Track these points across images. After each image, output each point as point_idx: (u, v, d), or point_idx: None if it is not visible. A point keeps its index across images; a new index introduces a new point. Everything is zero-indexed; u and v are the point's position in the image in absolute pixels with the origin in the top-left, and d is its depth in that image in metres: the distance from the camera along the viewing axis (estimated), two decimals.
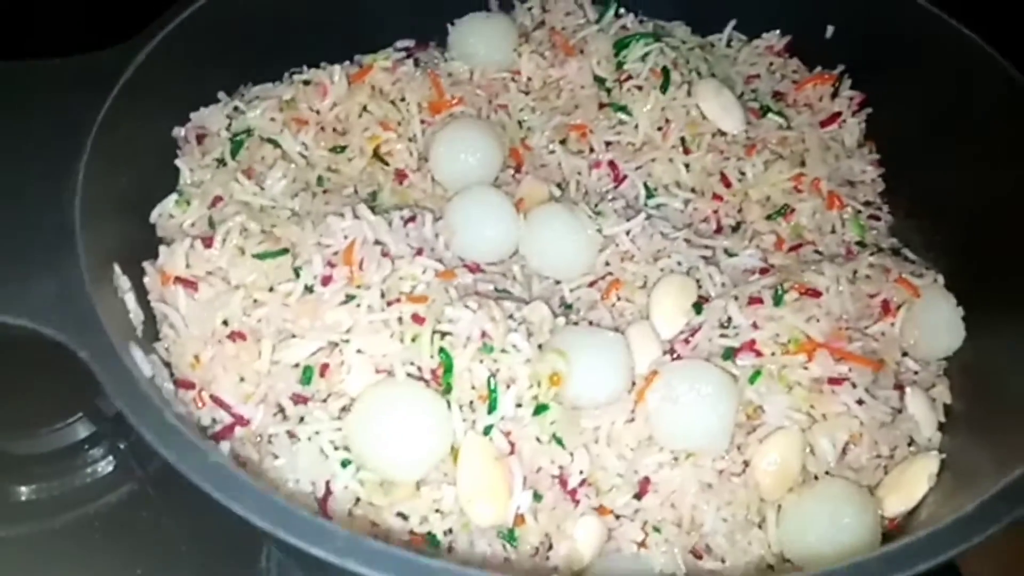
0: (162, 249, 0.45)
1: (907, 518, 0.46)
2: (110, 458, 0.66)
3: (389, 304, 0.44)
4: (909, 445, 0.48)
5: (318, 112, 0.55)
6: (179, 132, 0.52)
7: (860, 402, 0.46)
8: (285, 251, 0.46)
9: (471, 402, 0.44)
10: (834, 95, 0.60)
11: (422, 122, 0.57)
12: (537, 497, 0.42)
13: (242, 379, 0.43)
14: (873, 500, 0.45)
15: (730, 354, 0.47)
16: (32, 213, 0.38)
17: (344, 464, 0.42)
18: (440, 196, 0.56)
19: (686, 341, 0.48)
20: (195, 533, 0.59)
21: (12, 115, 0.42)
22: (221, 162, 0.51)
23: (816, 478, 0.46)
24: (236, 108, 0.53)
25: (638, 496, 0.44)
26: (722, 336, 0.47)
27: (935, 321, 0.51)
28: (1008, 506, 0.35)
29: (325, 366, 0.43)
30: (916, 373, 0.51)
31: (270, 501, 0.31)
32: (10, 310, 0.35)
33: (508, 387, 0.43)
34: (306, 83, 0.55)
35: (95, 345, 0.33)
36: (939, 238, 0.56)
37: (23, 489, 0.63)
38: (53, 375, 0.65)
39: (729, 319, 0.48)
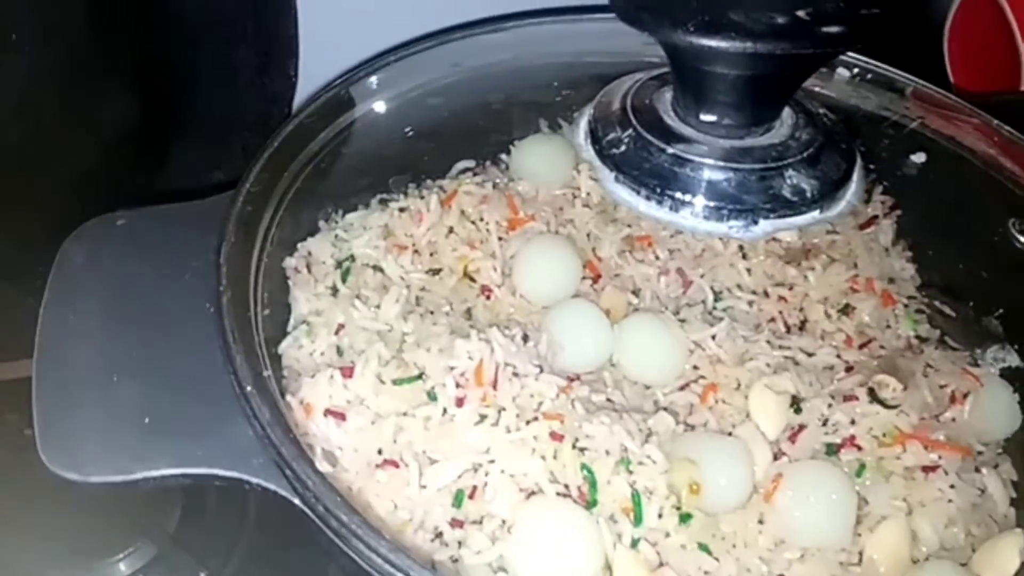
0: (305, 381, 0.46)
1: None
2: None
3: (527, 423, 0.47)
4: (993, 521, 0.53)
5: (412, 236, 0.57)
6: (290, 262, 0.53)
7: (952, 487, 0.51)
8: (420, 376, 0.48)
9: (611, 515, 0.46)
10: (867, 200, 0.67)
11: (499, 239, 0.60)
12: None
13: (396, 507, 0.44)
14: None
15: (833, 450, 0.50)
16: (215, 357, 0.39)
17: None
18: (527, 310, 0.58)
19: (791, 440, 0.51)
20: None
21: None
22: (334, 290, 0.53)
23: (916, 561, 0.50)
24: (337, 236, 0.55)
25: None
26: (824, 434, 0.51)
27: (996, 407, 0.56)
28: None
29: (473, 488, 0.45)
30: (980, 454, 0.56)
31: None
32: (220, 463, 0.35)
33: (649, 499, 0.46)
34: (402, 210, 0.57)
35: (312, 495, 0.34)
36: (977, 327, 0.62)
37: None
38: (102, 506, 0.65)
39: (827, 417, 0.52)
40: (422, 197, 0.58)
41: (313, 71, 0.79)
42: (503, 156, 0.66)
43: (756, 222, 0.41)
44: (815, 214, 0.42)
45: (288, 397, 0.46)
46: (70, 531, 0.63)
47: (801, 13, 0.37)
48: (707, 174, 0.41)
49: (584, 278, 0.61)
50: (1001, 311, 0.56)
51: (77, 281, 0.43)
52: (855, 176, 0.45)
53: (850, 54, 0.65)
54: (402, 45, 0.63)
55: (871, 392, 0.49)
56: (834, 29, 0.37)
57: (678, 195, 0.41)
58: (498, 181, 0.64)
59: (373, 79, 0.60)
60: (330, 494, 0.35)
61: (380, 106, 0.61)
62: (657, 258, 0.63)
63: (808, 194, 0.41)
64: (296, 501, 0.35)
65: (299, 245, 0.54)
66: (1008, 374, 0.55)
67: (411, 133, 0.63)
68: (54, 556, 0.62)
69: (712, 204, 0.41)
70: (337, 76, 0.60)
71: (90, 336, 0.41)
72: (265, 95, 0.82)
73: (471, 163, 0.65)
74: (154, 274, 0.44)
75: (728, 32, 0.37)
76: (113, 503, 0.64)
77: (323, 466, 0.37)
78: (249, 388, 0.38)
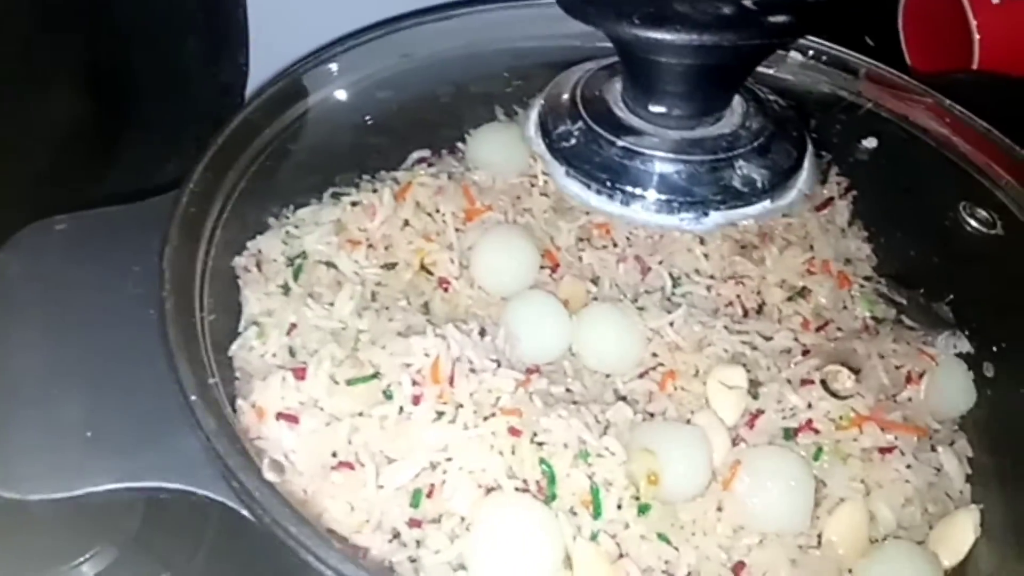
0: (257, 384, 0.45)
1: (958, 570, 0.51)
2: None
3: (485, 419, 0.46)
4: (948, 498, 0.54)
5: (366, 230, 0.56)
6: (239, 261, 0.52)
7: (909, 467, 0.51)
8: (375, 375, 0.47)
9: (571, 508, 0.46)
10: (823, 181, 0.67)
11: (456, 230, 0.60)
12: None
13: (352, 508, 0.44)
14: (936, 557, 0.50)
15: (791, 434, 0.51)
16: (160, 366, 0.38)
17: None
18: (486, 301, 0.58)
19: (749, 426, 0.51)
20: None
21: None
22: (286, 288, 0.52)
23: (874, 541, 0.50)
24: (288, 232, 0.54)
25: None
26: (782, 418, 0.51)
27: (951, 385, 0.56)
28: None
29: (431, 487, 0.45)
30: (936, 432, 0.56)
31: None
32: (166, 475, 0.34)
33: (608, 491, 0.46)
34: (354, 204, 0.56)
35: (260, 506, 0.34)
36: (928, 314, 0.62)
37: None
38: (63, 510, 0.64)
39: (784, 401, 0.52)
40: (375, 190, 0.57)
41: (265, 60, 0.77)
42: (459, 145, 0.65)
43: (707, 214, 0.41)
44: (766, 204, 0.42)
45: (240, 401, 0.45)
46: (30, 535, 0.62)
47: (747, 2, 0.37)
48: (658, 167, 0.41)
49: (542, 268, 0.61)
50: (951, 297, 0.56)
51: (13, 291, 0.41)
52: (806, 164, 0.44)
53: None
54: (351, 34, 0.61)
55: (824, 384, 0.49)
56: (781, 18, 0.37)
57: (629, 189, 0.41)
58: (453, 171, 0.63)
59: (321, 70, 0.58)
60: (279, 505, 0.34)
61: (329, 98, 0.60)
62: (615, 245, 0.63)
63: (759, 184, 0.41)
64: (245, 512, 0.35)
65: (248, 243, 0.53)
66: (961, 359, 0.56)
67: (370, 121, 0.62)
68: (14, 561, 0.61)
69: (663, 197, 0.41)
70: (285, 67, 0.59)
71: (28, 348, 0.40)
72: (216, 85, 0.81)
73: (426, 152, 0.64)
74: (95, 281, 0.42)
75: (674, 24, 0.36)
76: (74, 506, 0.63)
77: (271, 476, 0.37)
78: (194, 398, 0.37)
